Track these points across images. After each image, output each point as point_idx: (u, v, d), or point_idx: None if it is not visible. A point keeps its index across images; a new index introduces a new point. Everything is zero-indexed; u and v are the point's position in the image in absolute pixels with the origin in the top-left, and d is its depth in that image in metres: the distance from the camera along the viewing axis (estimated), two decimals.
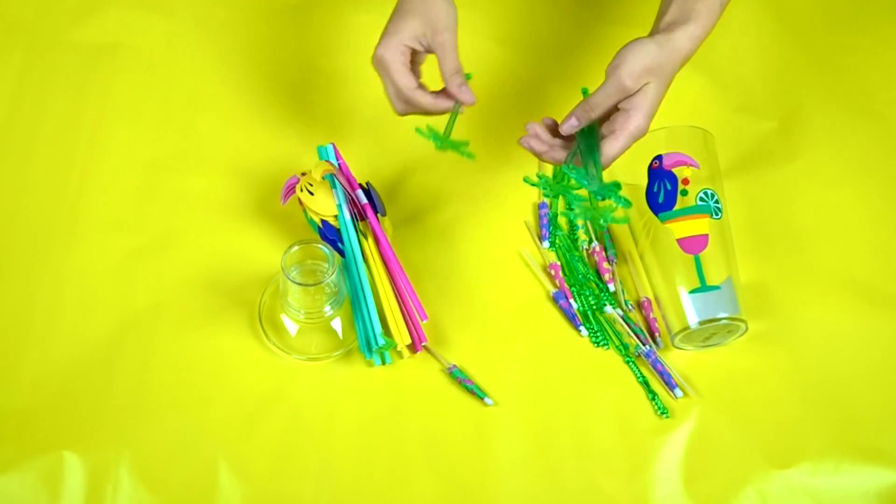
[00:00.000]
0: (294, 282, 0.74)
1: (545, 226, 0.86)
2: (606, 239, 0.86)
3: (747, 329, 0.78)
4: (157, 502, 0.71)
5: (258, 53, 0.98)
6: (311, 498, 0.73)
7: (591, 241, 0.86)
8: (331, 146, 0.85)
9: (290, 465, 0.74)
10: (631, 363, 0.80)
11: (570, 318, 0.82)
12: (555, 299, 0.83)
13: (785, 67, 0.99)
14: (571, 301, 0.82)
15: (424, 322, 0.78)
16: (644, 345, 0.80)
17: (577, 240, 0.86)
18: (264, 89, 0.95)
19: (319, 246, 0.76)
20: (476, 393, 0.77)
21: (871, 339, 0.82)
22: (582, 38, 1.01)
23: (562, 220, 0.88)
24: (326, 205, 0.81)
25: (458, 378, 0.78)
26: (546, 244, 0.86)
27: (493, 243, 0.86)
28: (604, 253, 0.85)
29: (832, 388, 0.79)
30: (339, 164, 0.84)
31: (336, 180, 0.82)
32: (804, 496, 0.74)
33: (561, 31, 1.02)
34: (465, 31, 1.00)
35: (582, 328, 0.81)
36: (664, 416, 0.77)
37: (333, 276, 0.75)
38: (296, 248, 0.76)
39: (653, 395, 0.78)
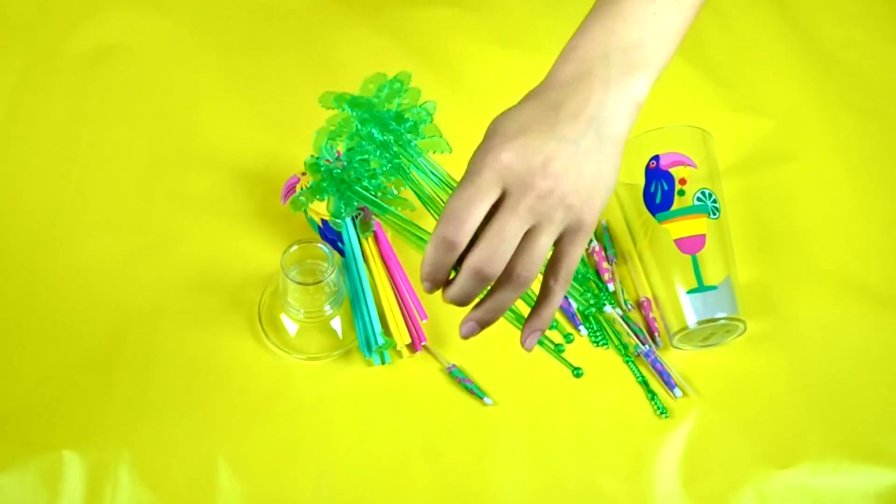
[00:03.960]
0: (294, 281, 0.74)
1: None
2: (606, 239, 0.86)
3: (746, 329, 0.78)
4: (156, 501, 0.72)
5: (258, 54, 0.98)
6: (311, 497, 0.73)
7: (590, 241, 0.86)
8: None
9: (290, 465, 0.74)
10: (630, 363, 0.80)
11: (570, 317, 0.82)
12: None
13: (785, 65, 0.99)
14: (571, 301, 0.82)
15: (424, 322, 0.78)
16: (643, 344, 0.80)
17: None
18: (264, 89, 0.95)
19: (319, 245, 0.76)
20: (476, 393, 0.77)
21: (871, 339, 0.82)
22: None
23: None
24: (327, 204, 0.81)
25: (458, 378, 0.78)
26: None
27: None
28: (603, 253, 0.85)
29: (832, 388, 0.79)
30: None
31: None
32: (804, 496, 0.74)
33: (562, 32, 1.02)
34: (465, 33, 1.01)
35: (581, 327, 0.81)
36: (663, 415, 0.77)
37: (333, 276, 0.75)
38: (295, 247, 0.76)
39: (652, 394, 0.78)
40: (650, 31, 0.54)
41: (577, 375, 0.65)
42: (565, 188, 0.50)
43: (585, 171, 0.51)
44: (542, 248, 0.51)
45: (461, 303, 0.54)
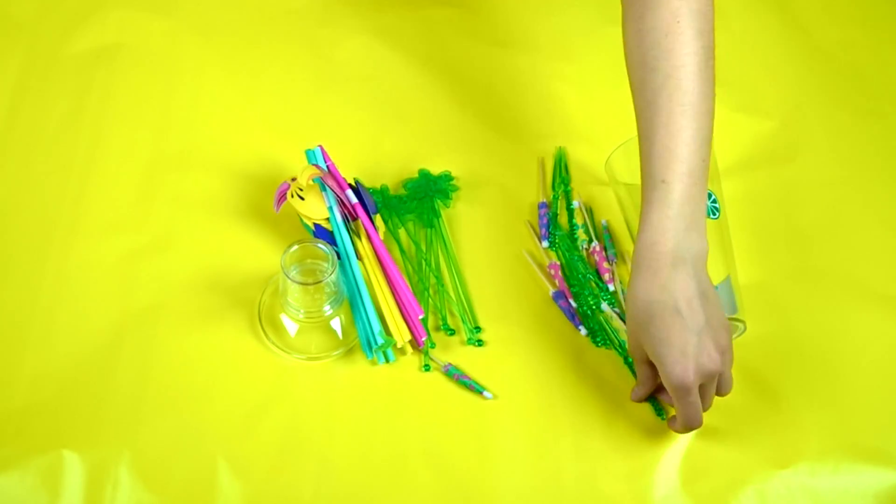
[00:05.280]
0: (294, 281, 0.74)
1: (545, 225, 0.86)
2: (606, 239, 0.86)
3: (746, 329, 0.78)
4: (156, 501, 0.72)
5: (259, 54, 0.98)
6: (311, 497, 0.73)
7: (590, 241, 0.86)
8: (318, 149, 0.85)
9: (290, 465, 0.74)
10: (630, 364, 0.80)
11: (570, 317, 0.82)
12: (554, 299, 0.83)
13: (785, 66, 1.00)
14: (571, 301, 0.82)
15: (421, 317, 0.78)
16: None
17: (576, 239, 0.87)
18: (264, 90, 0.95)
19: (319, 245, 0.76)
20: (475, 388, 0.77)
21: (871, 339, 0.82)
22: (580, 39, 1.01)
23: (562, 220, 0.88)
24: (318, 208, 0.81)
25: (455, 375, 0.78)
26: (546, 244, 0.86)
27: (493, 243, 0.86)
28: (604, 253, 0.85)
29: (832, 388, 0.79)
30: (327, 166, 0.84)
31: (324, 183, 0.82)
32: (804, 496, 0.74)
33: (561, 32, 1.02)
34: (462, 34, 1.01)
35: (581, 327, 0.81)
36: (660, 416, 0.77)
37: (333, 276, 0.75)
38: (295, 247, 0.76)
39: (650, 396, 0.78)
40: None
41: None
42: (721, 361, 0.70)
43: (722, 341, 0.70)
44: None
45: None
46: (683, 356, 0.68)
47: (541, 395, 0.78)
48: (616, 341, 0.81)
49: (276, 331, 0.79)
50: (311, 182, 0.82)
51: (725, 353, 0.70)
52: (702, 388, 0.71)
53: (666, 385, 0.70)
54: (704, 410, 0.72)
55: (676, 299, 0.68)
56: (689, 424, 0.72)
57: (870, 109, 0.96)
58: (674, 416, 0.74)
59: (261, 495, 0.73)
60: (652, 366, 0.73)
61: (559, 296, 0.83)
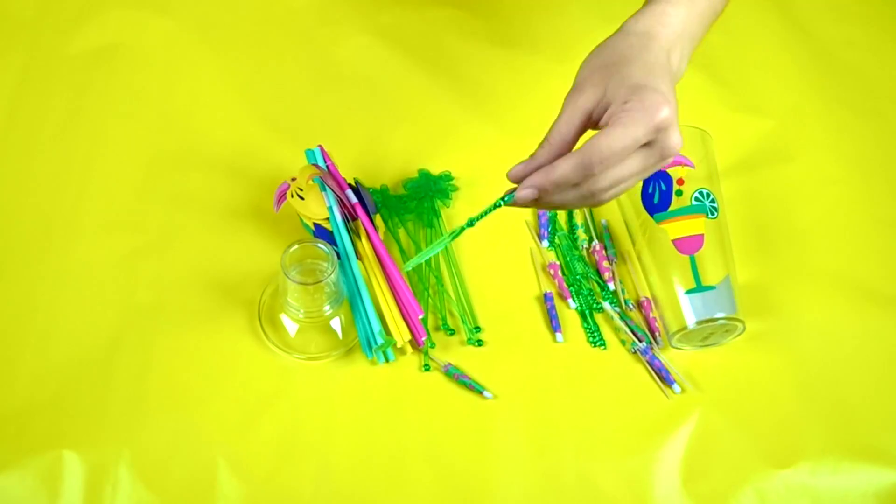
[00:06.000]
0: (294, 281, 0.74)
1: (544, 225, 0.86)
2: (606, 238, 0.86)
3: (745, 329, 0.78)
4: (156, 501, 0.72)
5: (258, 54, 0.98)
6: (311, 497, 0.73)
7: (591, 240, 0.86)
8: (318, 148, 0.85)
9: (290, 465, 0.74)
10: (639, 351, 0.80)
11: (552, 319, 0.81)
12: (545, 299, 0.82)
13: (785, 66, 0.99)
14: (571, 301, 0.82)
15: (421, 317, 0.78)
16: (640, 341, 0.80)
17: (576, 239, 0.87)
18: (264, 89, 0.95)
19: (319, 245, 0.76)
20: (475, 388, 0.77)
21: (871, 339, 0.82)
22: (580, 39, 1.00)
23: (562, 220, 0.88)
24: (318, 208, 0.81)
25: (455, 375, 0.78)
26: (545, 244, 0.86)
27: (493, 243, 0.86)
28: (604, 252, 0.85)
29: (832, 388, 0.79)
30: (327, 166, 0.84)
31: (324, 183, 0.82)
32: (803, 496, 0.74)
33: (561, 32, 1.02)
34: (465, 33, 1.01)
35: (559, 334, 0.81)
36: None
37: (333, 275, 0.75)
38: (295, 246, 0.76)
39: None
40: None
41: None
42: None
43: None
44: None
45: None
46: (665, 97, 0.61)
47: (541, 395, 0.78)
48: (624, 335, 0.81)
49: (276, 331, 0.79)
50: (311, 182, 0.82)
51: (673, 152, 0.62)
52: (612, 164, 0.61)
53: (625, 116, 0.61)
54: (594, 199, 0.64)
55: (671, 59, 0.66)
56: (557, 180, 0.63)
57: (870, 109, 0.96)
58: (527, 182, 0.66)
59: (261, 495, 0.73)
60: (582, 123, 0.65)
61: (548, 297, 0.82)
